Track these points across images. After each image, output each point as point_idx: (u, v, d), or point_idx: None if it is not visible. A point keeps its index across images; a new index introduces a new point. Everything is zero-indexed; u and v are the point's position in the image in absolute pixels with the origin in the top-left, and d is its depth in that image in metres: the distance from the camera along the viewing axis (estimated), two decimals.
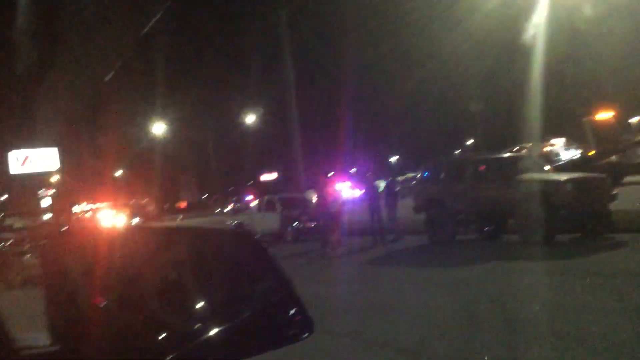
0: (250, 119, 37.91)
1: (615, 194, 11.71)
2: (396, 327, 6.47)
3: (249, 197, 38.59)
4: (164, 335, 2.06)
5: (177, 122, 42.87)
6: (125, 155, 50.45)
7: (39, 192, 38.78)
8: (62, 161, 30.70)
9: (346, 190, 29.66)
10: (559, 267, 8.85)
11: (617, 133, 25.10)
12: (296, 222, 17.59)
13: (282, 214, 18.27)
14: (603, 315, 5.93)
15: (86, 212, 48.37)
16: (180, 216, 47.67)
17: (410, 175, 33.21)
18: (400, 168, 45.89)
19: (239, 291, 2.26)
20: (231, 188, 52.13)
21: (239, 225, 20.04)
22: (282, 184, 42.95)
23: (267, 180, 48.10)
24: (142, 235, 2.62)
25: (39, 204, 38.74)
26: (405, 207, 15.13)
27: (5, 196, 44.04)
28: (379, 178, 18.98)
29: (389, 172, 31.53)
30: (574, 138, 24.85)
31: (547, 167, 13.49)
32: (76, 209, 51.05)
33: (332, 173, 34.11)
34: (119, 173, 54.61)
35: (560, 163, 21.03)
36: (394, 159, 55.77)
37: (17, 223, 29.60)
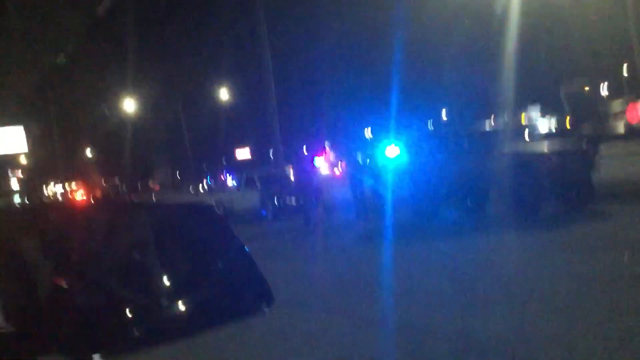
0: (224, 94, 37.18)
1: (597, 164, 11.77)
2: (384, 305, 6.39)
3: (225, 175, 38.11)
4: (127, 311, 2.07)
5: (149, 99, 41.86)
6: (96, 134, 49.26)
7: (8, 173, 37.73)
8: (29, 140, 29.74)
9: (325, 164, 29.40)
10: (551, 239, 8.87)
11: (592, 105, 25.36)
12: (276, 199, 17.27)
13: (261, 190, 17.94)
14: (609, 285, 5.89)
15: (57, 192, 47.38)
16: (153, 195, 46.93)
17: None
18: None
19: (201, 265, 2.36)
20: (205, 165, 51.39)
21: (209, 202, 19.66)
22: (257, 160, 42.48)
23: (243, 158, 47.49)
24: (104, 212, 2.51)
25: (9, 185, 37.74)
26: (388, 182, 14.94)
27: None
28: (360, 150, 18.73)
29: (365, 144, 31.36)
30: (550, 108, 25.02)
31: (526, 138, 13.47)
32: (48, 189, 49.91)
33: (310, 147, 33.79)
34: (89, 153, 53.37)
35: (537, 133, 21.16)
36: (367, 131, 55.56)
37: None
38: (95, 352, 1.82)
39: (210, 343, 3.78)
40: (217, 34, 38.85)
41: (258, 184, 18.41)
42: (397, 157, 14.39)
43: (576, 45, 26.67)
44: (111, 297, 2.08)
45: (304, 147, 36.47)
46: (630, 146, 21.70)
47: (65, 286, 1.96)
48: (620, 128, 26.82)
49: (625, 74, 27.84)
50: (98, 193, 41.50)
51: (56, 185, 49.27)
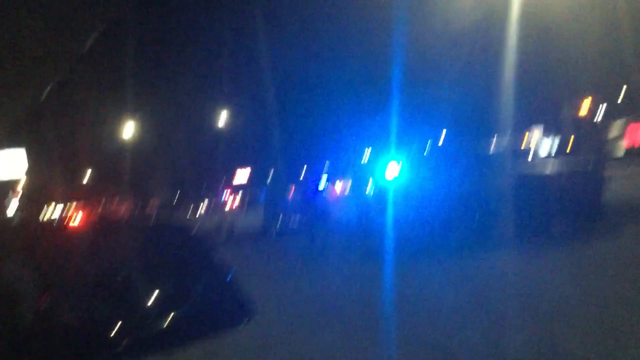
0: (224, 113, 37.24)
1: (605, 185, 11.76)
2: (406, 323, 6.24)
3: (225, 195, 37.91)
4: (106, 330, 2.11)
5: (148, 119, 41.91)
6: (95, 156, 49.20)
7: (5, 202, 37.21)
8: (29, 162, 29.57)
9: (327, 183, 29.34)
10: (560, 257, 8.78)
11: (593, 126, 25.53)
12: (280, 217, 17.15)
13: (264, 209, 17.84)
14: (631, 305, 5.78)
15: (55, 214, 47.15)
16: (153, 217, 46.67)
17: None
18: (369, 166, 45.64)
19: (181, 283, 2.45)
20: (205, 186, 51.29)
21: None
22: (258, 179, 42.36)
23: (243, 178, 47.38)
24: (87, 233, 2.68)
25: (6, 205, 37.35)
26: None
27: None
28: (365, 171, 18.68)
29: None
30: (553, 129, 25.16)
31: (530, 158, 13.48)
32: (46, 210, 49.75)
33: (312, 167, 33.68)
34: (89, 174, 53.27)
35: (541, 154, 21.22)
36: (369, 151, 55.56)
37: None
38: None
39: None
40: (217, 53, 39.05)
41: (260, 202, 18.33)
42: (400, 176, 14.34)
43: (577, 68, 26.91)
44: (93, 316, 2.13)
45: (306, 166, 36.43)
46: (631, 167, 21.78)
47: (48, 306, 2.04)
48: (620, 150, 26.96)
49: (623, 96, 28.13)
50: (95, 214, 41.26)
51: (56, 205, 49.08)
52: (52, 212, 50.38)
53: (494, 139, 22.79)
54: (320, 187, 17.33)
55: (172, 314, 2.30)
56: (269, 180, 28.14)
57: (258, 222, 17.85)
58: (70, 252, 2.26)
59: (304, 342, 5.72)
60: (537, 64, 26.45)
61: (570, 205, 11.23)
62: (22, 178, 35.27)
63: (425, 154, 19.80)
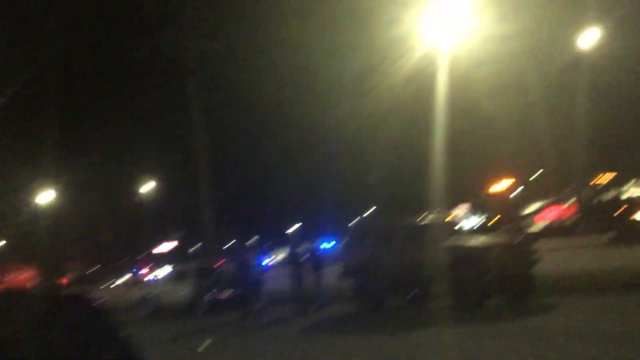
0: (153, 184, 36.26)
1: (537, 257, 12.10)
2: None
3: (145, 269, 36.32)
4: None
5: (67, 189, 39.99)
6: (9, 225, 46.02)
7: None
8: None
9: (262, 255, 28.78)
10: (497, 331, 8.85)
11: (508, 205, 26.90)
12: (211, 292, 16.42)
13: (195, 283, 17.06)
14: None
15: None
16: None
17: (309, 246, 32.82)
18: (301, 237, 45.58)
19: (76, 354, 2.37)
20: (125, 259, 48.93)
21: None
22: (181, 252, 41.04)
23: (163, 251, 45.70)
24: None
25: None
26: (331, 273, 14.65)
27: None
28: (302, 242, 18.50)
29: (291, 241, 31.09)
30: (478, 206, 26.28)
31: (458, 232, 13.81)
32: None
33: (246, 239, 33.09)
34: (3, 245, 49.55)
35: (467, 228, 21.91)
36: (295, 227, 55.43)
37: None
38: None
39: None
40: (149, 124, 38.45)
41: (190, 276, 17.56)
42: (333, 248, 14.31)
43: (500, 151, 28.65)
44: None
45: (239, 239, 35.77)
46: (550, 242, 22.82)
47: None
48: (538, 226, 28.37)
49: (538, 178, 30.17)
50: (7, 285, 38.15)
51: None
52: None
53: (424, 213, 23.49)
54: (256, 258, 16.98)
55: None
56: (195, 251, 27.28)
57: (187, 296, 17.00)
58: None
59: None
60: (464, 147, 27.95)
61: (504, 278, 11.44)
62: None
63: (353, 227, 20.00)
